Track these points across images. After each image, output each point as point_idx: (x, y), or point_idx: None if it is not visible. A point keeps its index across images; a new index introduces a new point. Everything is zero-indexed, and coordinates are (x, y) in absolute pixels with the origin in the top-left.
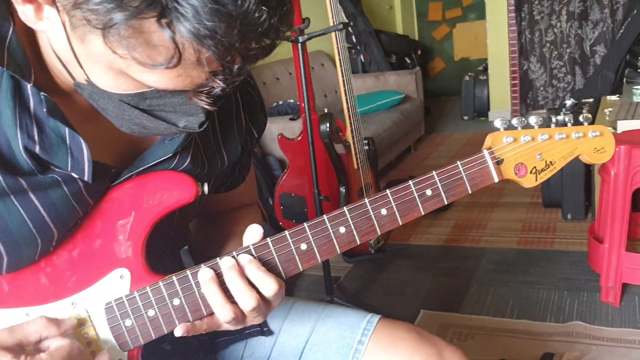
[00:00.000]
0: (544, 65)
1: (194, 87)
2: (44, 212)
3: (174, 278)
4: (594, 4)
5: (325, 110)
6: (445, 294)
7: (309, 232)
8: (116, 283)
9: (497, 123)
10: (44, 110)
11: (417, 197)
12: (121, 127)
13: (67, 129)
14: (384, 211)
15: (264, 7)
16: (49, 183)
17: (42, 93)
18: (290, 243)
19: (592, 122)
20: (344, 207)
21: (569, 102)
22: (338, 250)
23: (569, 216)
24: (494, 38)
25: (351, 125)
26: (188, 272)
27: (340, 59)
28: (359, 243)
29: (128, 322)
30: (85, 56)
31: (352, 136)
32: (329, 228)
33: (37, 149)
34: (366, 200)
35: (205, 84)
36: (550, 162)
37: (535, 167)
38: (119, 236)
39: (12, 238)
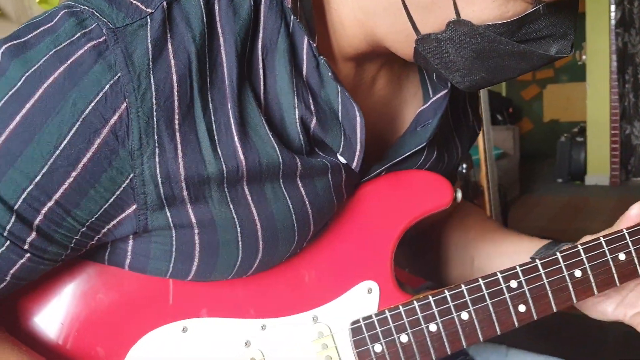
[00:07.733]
0: None
1: None
2: (308, 203)
3: (431, 298)
4: None
5: None
6: None
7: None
8: (363, 298)
9: None
10: (329, 74)
11: None
12: (462, 83)
13: (340, 103)
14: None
15: None
16: (319, 168)
17: (321, 57)
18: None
19: None
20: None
21: None
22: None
23: None
24: (595, 100)
25: (486, 169)
26: (447, 293)
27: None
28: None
29: (378, 348)
30: None
31: (487, 181)
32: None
33: (313, 123)
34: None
35: None
36: None
37: None
38: (367, 242)
39: (273, 231)
